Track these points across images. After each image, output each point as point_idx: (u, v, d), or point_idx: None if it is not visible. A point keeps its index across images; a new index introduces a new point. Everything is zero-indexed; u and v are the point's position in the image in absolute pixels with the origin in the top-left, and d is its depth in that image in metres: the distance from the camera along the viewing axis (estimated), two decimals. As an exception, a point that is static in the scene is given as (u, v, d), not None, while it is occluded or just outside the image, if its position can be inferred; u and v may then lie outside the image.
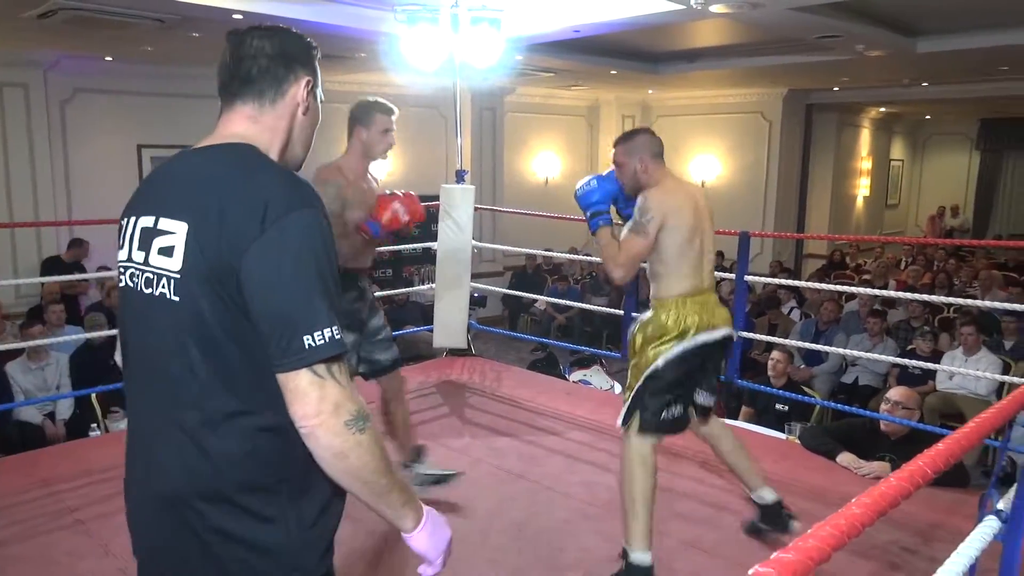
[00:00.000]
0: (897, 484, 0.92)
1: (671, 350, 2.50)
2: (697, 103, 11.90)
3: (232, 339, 1.14)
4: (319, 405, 1.11)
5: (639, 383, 2.54)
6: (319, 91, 1.34)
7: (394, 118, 2.97)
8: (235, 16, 5.38)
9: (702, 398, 2.66)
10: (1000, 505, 1.29)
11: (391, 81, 9.24)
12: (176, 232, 1.16)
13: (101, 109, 8.13)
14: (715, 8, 5.06)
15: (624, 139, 2.67)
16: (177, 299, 1.15)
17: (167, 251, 1.17)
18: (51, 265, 7.47)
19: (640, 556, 2.45)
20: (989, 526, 1.22)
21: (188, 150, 1.28)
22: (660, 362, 2.50)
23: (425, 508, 1.27)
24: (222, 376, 1.15)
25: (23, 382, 5.23)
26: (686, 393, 2.57)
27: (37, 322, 5.73)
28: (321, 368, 1.12)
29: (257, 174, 1.17)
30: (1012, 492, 1.35)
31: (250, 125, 1.25)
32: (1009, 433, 1.44)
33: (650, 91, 11.53)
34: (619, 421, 2.58)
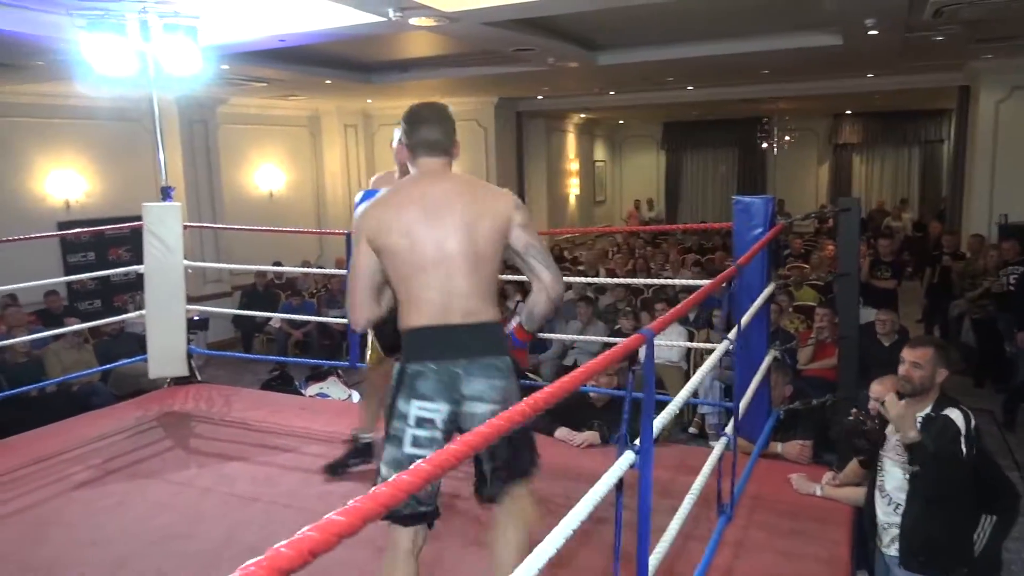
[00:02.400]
0: (484, 432, 1.03)
1: None
2: (417, 112, 12.22)
3: None
4: None
5: None
6: None
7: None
8: None
9: None
10: (638, 442, 1.57)
11: (79, 92, 8.33)
12: None
13: None
14: (414, 21, 5.28)
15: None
16: None
17: None
18: None
19: None
20: (627, 458, 1.49)
21: None
22: None
23: None
24: None
25: None
26: None
27: None
28: None
29: None
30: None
31: None
32: (631, 383, 1.73)
33: (369, 100, 11.64)
34: None
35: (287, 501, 3.36)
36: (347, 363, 4.65)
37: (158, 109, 5.03)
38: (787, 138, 16.17)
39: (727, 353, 2.60)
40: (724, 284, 2.66)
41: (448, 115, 2.20)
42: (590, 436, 3.83)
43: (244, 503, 3.37)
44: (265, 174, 11.51)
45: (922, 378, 2.71)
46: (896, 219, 14.53)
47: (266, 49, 6.66)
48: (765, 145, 16.44)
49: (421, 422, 1.96)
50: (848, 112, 16.13)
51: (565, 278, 2.31)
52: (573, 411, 4.06)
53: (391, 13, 4.97)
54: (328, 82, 8.97)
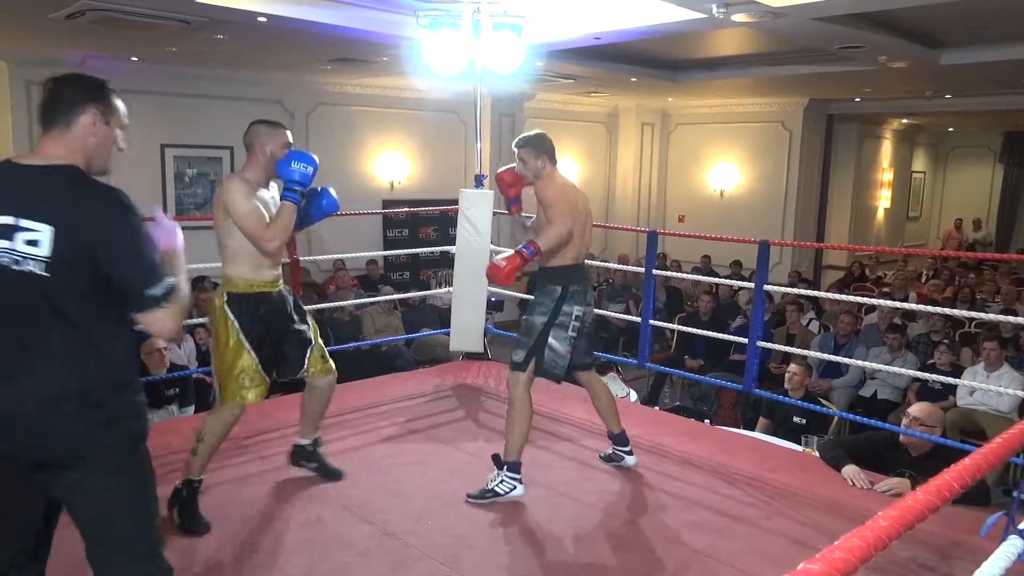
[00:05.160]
0: (924, 499, 0.91)
1: None
2: (717, 111, 11.87)
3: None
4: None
5: None
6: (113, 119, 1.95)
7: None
8: (260, 19, 5.44)
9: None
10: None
11: (412, 85, 9.29)
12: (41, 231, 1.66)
13: (126, 109, 8.21)
14: (737, 17, 5.05)
15: None
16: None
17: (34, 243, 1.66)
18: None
19: None
20: (1014, 545, 1.20)
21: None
22: None
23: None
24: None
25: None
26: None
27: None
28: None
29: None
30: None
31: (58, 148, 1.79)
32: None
33: (670, 99, 11.52)
34: None
35: (563, 490, 3.41)
36: (635, 361, 4.61)
37: (479, 103, 5.39)
38: None
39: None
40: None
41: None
42: (899, 485, 3.37)
43: (525, 485, 3.48)
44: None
45: None
46: None
47: (580, 47, 6.83)
48: None
49: None
50: None
51: (867, 300, 2.15)
52: (881, 452, 3.63)
53: (714, 9, 4.80)
54: (633, 80, 9.01)
